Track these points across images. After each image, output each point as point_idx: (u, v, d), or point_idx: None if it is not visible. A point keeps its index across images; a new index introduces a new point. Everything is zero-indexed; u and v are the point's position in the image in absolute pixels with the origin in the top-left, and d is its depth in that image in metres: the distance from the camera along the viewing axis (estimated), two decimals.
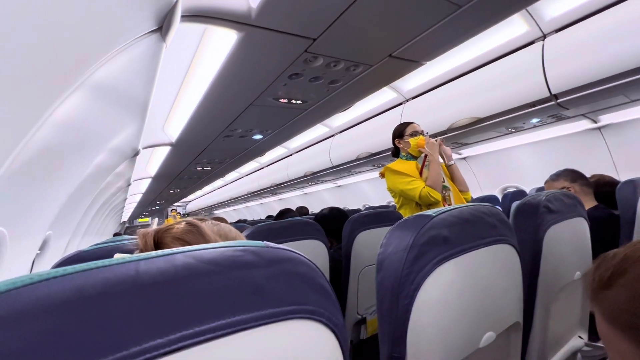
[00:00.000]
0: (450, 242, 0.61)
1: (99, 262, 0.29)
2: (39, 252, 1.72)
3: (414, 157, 1.64)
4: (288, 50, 1.12)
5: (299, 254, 0.39)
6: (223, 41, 1.07)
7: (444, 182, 1.55)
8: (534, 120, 2.30)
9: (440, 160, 1.61)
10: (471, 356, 0.63)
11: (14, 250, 1.19)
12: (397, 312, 0.55)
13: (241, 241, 0.37)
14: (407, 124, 1.66)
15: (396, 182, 1.59)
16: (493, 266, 0.70)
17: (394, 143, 1.70)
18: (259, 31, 0.98)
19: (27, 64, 0.64)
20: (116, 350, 0.26)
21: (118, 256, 0.31)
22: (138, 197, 5.63)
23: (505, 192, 3.30)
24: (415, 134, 1.61)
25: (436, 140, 1.60)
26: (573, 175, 1.65)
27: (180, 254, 0.31)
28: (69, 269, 0.27)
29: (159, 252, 0.31)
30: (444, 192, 1.55)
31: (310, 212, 3.49)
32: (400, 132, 1.66)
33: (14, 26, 0.55)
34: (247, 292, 0.33)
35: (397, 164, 1.63)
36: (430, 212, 0.63)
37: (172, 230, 0.50)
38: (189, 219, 0.54)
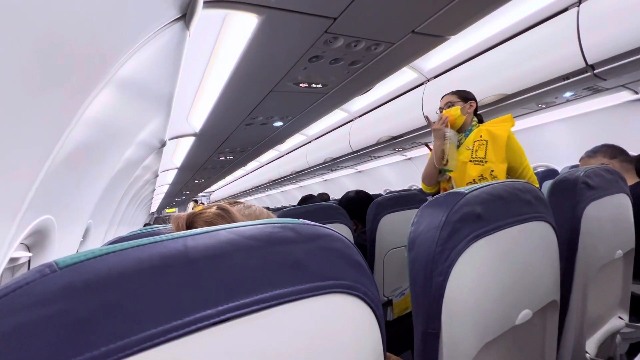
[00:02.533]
0: (484, 219, 0.60)
1: (151, 239, 0.30)
2: (82, 240, 1.84)
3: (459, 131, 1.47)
4: (308, 31, 1.10)
5: (334, 230, 0.40)
6: (243, 27, 1.07)
7: (445, 165, 1.40)
8: (567, 94, 2.16)
9: (453, 136, 1.40)
10: (507, 333, 0.62)
11: (62, 237, 1.28)
12: (431, 289, 0.55)
13: (277, 219, 0.38)
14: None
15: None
16: (529, 243, 0.68)
17: (471, 105, 1.48)
18: (279, 13, 0.97)
19: (61, 63, 0.66)
20: (171, 319, 0.28)
21: None
22: (165, 188, 5.85)
23: (535, 171, 3.16)
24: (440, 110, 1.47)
25: (441, 119, 1.38)
26: (612, 151, 1.55)
27: (224, 230, 0.33)
28: (126, 244, 0.29)
29: (203, 229, 0.32)
30: (443, 176, 1.43)
31: (331, 199, 3.51)
32: (472, 95, 1.49)
33: (45, 27, 0.57)
34: (287, 266, 0.34)
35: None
36: (463, 189, 0.62)
37: (203, 214, 0.53)
38: (220, 203, 0.56)
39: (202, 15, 0.93)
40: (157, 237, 0.30)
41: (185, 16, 0.88)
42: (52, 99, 0.70)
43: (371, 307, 0.40)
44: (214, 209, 0.52)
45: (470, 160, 1.33)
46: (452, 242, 0.56)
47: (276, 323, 0.32)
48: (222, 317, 0.29)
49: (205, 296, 0.29)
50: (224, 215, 0.52)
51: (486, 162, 1.29)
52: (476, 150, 1.32)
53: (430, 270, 0.55)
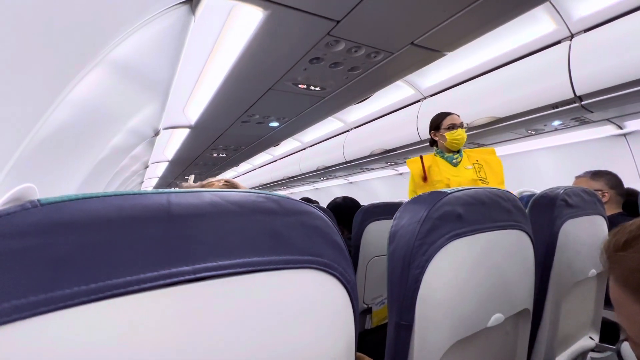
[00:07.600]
0: (464, 220, 0.62)
1: (135, 191, 0.30)
2: None
3: (450, 151, 1.57)
4: (311, 32, 1.13)
5: (317, 209, 0.40)
6: (248, 21, 1.09)
7: None
8: (556, 123, 2.24)
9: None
10: (479, 335, 0.63)
11: None
12: (407, 282, 0.56)
13: (264, 191, 0.39)
14: (445, 114, 1.55)
15: (410, 181, 1.62)
16: (505, 249, 0.69)
17: (430, 134, 1.61)
18: (284, 10, 0.99)
19: (47, 37, 0.63)
20: (146, 270, 0.28)
21: None
22: (154, 182, 5.76)
23: (520, 196, 3.24)
24: (453, 127, 1.51)
25: None
26: (614, 182, 1.56)
27: (208, 192, 0.33)
28: (109, 192, 0.29)
29: (188, 189, 0.33)
30: None
31: None
32: (437, 124, 1.55)
33: None
34: (267, 236, 0.35)
35: (419, 161, 1.58)
36: (446, 189, 0.64)
37: (212, 185, 0.58)
38: (228, 178, 0.61)
39: (210, 4, 0.95)
40: (142, 191, 0.31)
41: (192, 0, 0.89)
42: (33, 76, 0.67)
43: (346, 288, 0.41)
44: (222, 183, 0.57)
45: (477, 179, 1.57)
46: (431, 237, 0.57)
47: (250, 289, 0.33)
48: (198, 276, 0.30)
49: (184, 253, 0.30)
50: (230, 188, 0.58)
51: (487, 182, 1.58)
52: (478, 171, 1.56)
53: (408, 263, 0.56)
